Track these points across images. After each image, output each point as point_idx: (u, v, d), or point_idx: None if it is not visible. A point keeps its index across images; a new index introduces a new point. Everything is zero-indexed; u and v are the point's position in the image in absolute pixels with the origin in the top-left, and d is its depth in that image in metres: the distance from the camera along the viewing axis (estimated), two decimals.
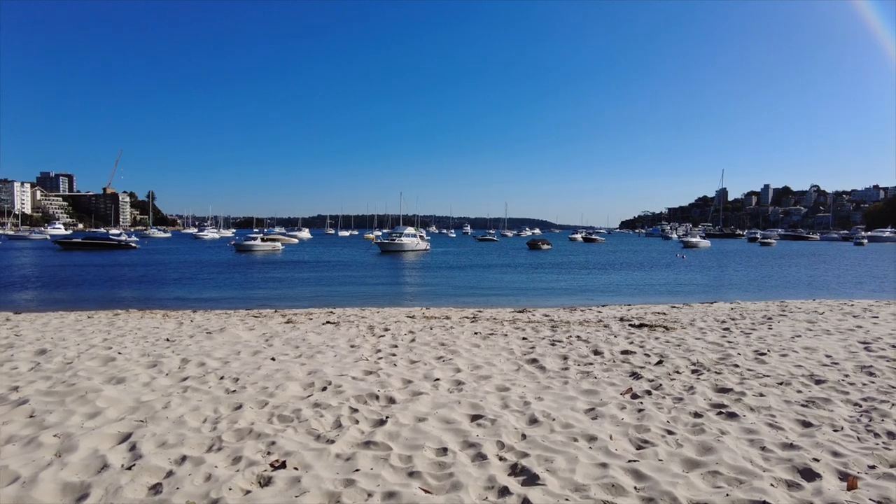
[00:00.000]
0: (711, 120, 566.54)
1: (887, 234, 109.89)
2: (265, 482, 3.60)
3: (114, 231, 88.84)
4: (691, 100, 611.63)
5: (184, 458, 3.90)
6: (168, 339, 8.58)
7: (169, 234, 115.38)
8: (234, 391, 5.60)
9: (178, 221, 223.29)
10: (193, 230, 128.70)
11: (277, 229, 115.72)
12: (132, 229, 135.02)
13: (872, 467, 3.87)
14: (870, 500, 3.38)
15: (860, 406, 5.22)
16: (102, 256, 43.25)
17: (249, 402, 5.20)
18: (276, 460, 3.90)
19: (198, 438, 4.29)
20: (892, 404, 5.21)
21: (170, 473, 3.67)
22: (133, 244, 58.19)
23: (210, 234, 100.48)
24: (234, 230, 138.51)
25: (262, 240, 57.37)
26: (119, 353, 7.28)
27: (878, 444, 4.31)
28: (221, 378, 6.10)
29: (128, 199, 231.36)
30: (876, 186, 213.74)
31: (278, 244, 58.05)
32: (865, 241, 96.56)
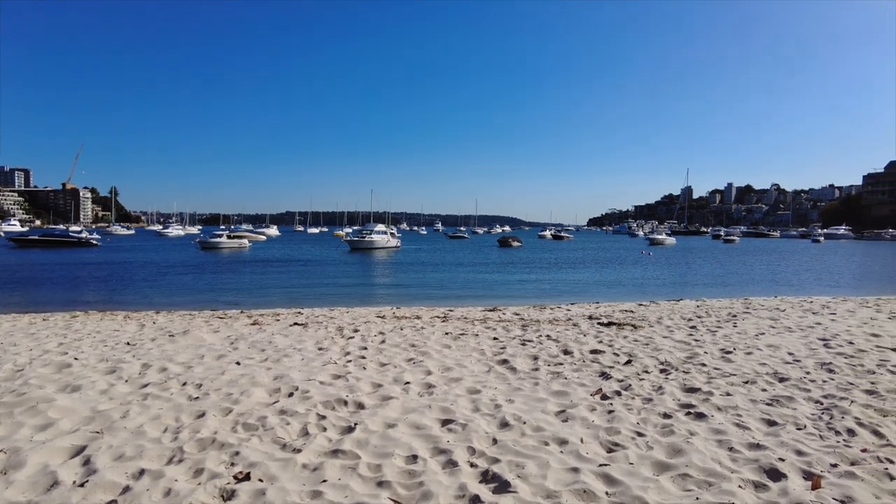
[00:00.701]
0: (678, 119, 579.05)
1: (842, 231, 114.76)
2: (228, 496, 3.46)
3: (74, 228, 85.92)
4: (658, 98, 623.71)
5: (142, 472, 3.73)
6: (128, 343, 8.29)
7: (132, 231, 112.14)
8: (197, 398, 5.41)
9: (143, 218, 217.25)
10: (158, 227, 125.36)
11: (245, 226, 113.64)
12: (94, 226, 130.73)
13: (835, 465, 3.94)
14: (833, 499, 3.44)
15: (821, 403, 5.33)
16: (61, 254, 41.73)
17: (213, 409, 5.03)
18: (240, 472, 3.77)
19: (157, 450, 4.12)
20: (851, 401, 5.34)
21: (126, 489, 3.50)
22: (94, 242, 56.25)
23: (175, 231, 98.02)
24: (200, 227, 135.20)
25: (229, 237, 56.17)
26: (75, 359, 6.98)
27: (839, 441, 4.40)
28: (184, 384, 5.90)
29: (89, 194, 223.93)
30: (831, 185, 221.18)
31: (245, 241, 56.95)
32: (822, 238, 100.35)
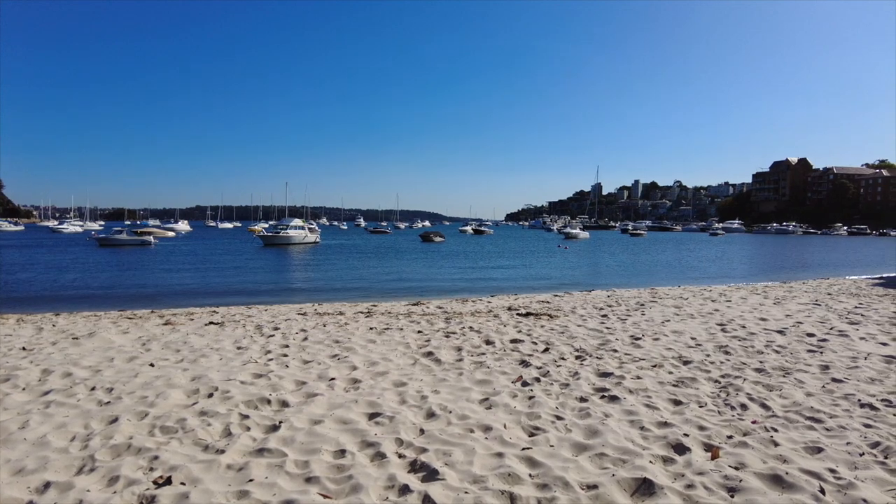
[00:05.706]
0: (588, 118, 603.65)
1: (735, 225, 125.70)
2: (148, 502, 3.33)
3: None
4: (570, 99, 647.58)
5: (47, 485, 3.50)
6: (24, 348, 7.65)
7: (21, 227, 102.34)
8: (109, 402, 5.12)
9: (35, 213, 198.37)
10: (52, 223, 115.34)
11: (152, 221, 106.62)
12: None
13: (730, 437, 4.35)
14: (729, 466, 3.80)
15: (719, 382, 5.85)
16: None
17: (126, 413, 4.78)
18: (160, 476, 3.62)
19: (65, 460, 3.87)
20: (744, 379, 5.91)
21: None
22: None
23: (72, 226, 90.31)
24: (102, 223, 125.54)
25: (131, 233, 52.55)
26: None
27: (734, 415, 4.86)
28: (92, 389, 5.56)
29: None
30: (726, 183, 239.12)
31: (150, 238, 53.40)
32: (721, 231, 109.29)
